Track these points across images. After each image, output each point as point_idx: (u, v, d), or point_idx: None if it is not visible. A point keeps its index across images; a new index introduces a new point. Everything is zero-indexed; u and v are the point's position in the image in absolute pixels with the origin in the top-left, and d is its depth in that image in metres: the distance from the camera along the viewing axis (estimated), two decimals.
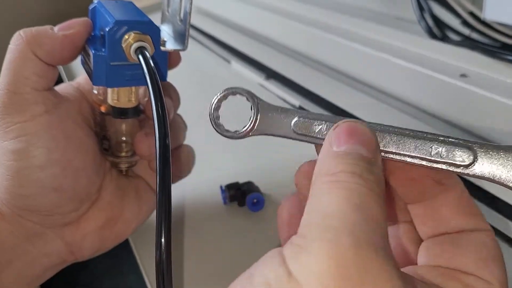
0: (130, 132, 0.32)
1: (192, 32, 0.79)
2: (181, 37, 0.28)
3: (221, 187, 0.40)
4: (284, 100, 0.55)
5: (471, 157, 0.19)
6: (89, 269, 0.51)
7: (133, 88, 0.30)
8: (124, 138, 0.32)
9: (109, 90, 0.30)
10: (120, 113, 0.31)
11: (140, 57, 0.27)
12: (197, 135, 0.38)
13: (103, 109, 0.31)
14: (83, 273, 0.51)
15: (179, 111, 0.35)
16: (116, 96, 0.30)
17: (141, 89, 0.31)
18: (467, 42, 0.40)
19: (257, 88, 0.59)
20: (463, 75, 0.38)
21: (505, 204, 0.33)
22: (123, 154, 0.32)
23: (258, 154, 0.46)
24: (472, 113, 0.37)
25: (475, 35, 0.40)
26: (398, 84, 0.43)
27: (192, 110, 0.38)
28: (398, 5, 0.52)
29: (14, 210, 0.28)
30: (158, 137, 0.24)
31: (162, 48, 0.28)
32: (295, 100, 0.53)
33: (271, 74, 0.59)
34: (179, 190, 0.40)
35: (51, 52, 0.28)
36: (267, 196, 0.40)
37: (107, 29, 0.27)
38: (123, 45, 0.27)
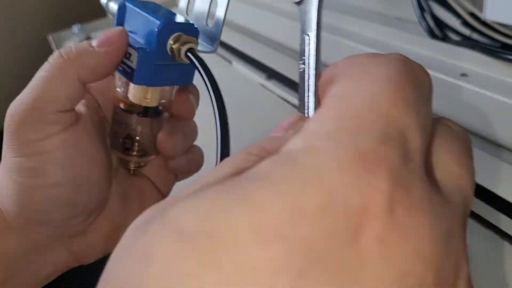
0: (149, 131, 0.32)
1: None
2: (211, 39, 0.29)
3: None
4: (285, 100, 0.55)
5: None
6: (95, 271, 0.51)
7: (160, 88, 0.30)
8: (140, 137, 0.32)
9: (137, 88, 0.30)
10: (147, 112, 0.31)
11: (193, 58, 0.27)
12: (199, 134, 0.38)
13: (122, 105, 0.31)
14: (87, 276, 0.51)
15: None
16: (149, 95, 0.30)
17: (166, 89, 0.31)
18: (468, 42, 0.40)
19: (258, 88, 0.59)
20: (463, 75, 0.38)
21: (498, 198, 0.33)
22: (135, 153, 0.33)
23: None
24: (472, 112, 0.37)
25: (475, 36, 0.41)
26: None
27: None
28: (398, 5, 0.52)
29: (23, 222, 0.28)
30: (220, 139, 0.24)
31: None
32: (296, 100, 0.53)
33: (272, 74, 0.60)
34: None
35: (94, 72, 0.27)
36: None
37: (156, 29, 0.27)
38: (173, 46, 0.28)
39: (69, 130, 0.27)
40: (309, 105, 0.21)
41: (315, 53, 0.21)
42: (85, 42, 0.27)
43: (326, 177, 0.13)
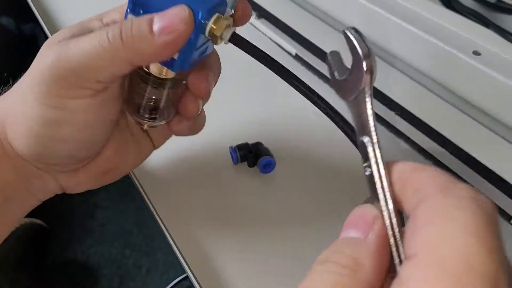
0: (165, 98, 0.32)
1: None
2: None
3: (231, 147, 0.41)
4: (280, 46, 0.53)
5: None
6: None
7: None
8: (155, 104, 0.32)
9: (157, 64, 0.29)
10: (164, 82, 0.30)
11: (238, 42, 0.27)
12: None
13: (139, 74, 0.30)
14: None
15: None
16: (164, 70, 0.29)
17: None
18: (482, 19, 0.41)
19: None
20: (475, 52, 0.39)
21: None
22: (149, 117, 0.33)
23: (265, 115, 0.45)
24: (481, 91, 0.38)
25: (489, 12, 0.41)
26: (403, 48, 0.44)
27: None
28: None
29: (21, 155, 0.29)
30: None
31: None
32: (292, 47, 0.52)
33: (263, 13, 0.57)
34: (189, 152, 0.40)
35: (147, 60, 0.27)
36: (277, 158, 0.40)
37: (199, 20, 0.25)
38: (215, 33, 0.26)
39: (96, 96, 0.27)
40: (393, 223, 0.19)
41: (382, 160, 0.20)
42: (145, 23, 0.25)
43: None
